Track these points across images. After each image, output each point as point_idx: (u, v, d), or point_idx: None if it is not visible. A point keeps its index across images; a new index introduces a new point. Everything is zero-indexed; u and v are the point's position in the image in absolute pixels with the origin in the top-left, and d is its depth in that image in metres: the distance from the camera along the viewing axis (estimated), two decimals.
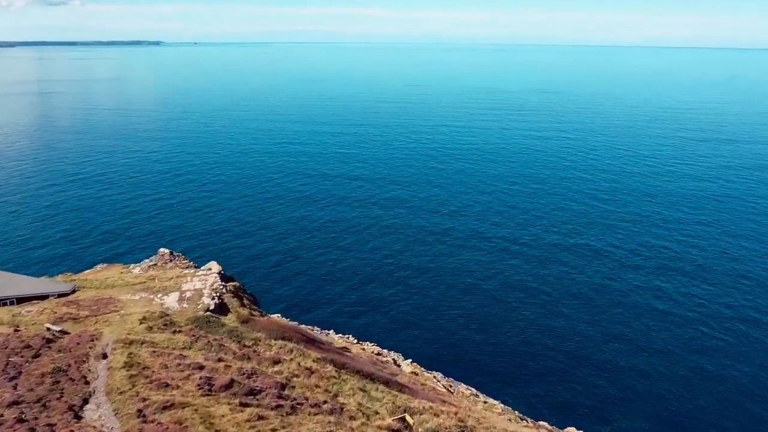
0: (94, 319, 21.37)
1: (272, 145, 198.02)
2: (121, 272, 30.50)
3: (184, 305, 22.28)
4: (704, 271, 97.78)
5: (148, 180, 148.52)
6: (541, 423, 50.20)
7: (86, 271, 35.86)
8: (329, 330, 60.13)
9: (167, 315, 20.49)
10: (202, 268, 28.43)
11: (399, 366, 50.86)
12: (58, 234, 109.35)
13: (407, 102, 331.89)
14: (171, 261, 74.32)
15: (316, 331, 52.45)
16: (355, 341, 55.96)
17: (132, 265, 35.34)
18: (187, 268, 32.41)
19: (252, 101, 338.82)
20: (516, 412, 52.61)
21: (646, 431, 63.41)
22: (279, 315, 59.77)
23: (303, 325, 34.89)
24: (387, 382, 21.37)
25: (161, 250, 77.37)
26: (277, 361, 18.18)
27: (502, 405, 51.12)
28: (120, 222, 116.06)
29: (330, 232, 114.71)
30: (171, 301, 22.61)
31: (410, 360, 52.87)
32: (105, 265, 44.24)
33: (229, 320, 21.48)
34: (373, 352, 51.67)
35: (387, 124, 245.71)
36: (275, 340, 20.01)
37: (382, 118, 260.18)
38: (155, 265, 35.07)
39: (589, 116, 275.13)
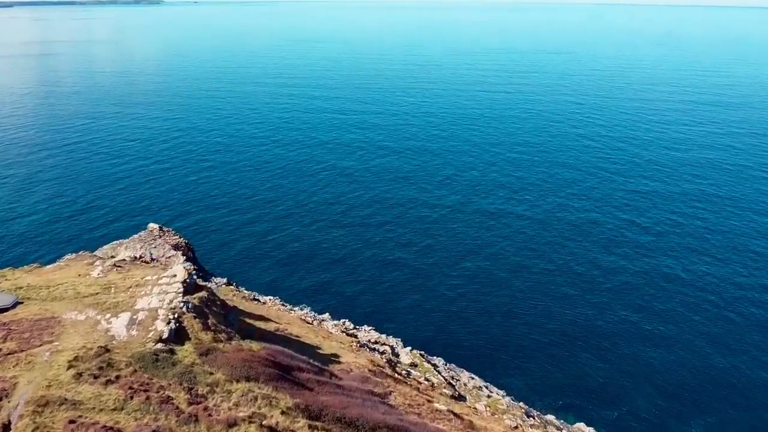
0: (17, 357, 17.51)
1: (272, 112, 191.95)
2: (79, 275, 26.48)
3: (133, 332, 18.31)
4: (716, 247, 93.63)
5: (142, 147, 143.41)
6: (548, 418, 46.95)
7: (48, 267, 32.04)
8: (324, 314, 56.65)
9: (107, 351, 16.70)
10: (166, 273, 24.34)
11: (398, 355, 47.42)
12: (40, 204, 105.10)
13: (411, 65, 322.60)
14: (160, 237, 70.77)
15: (309, 317, 48.84)
16: (351, 326, 52.50)
17: (98, 260, 31.21)
18: (153, 267, 28.20)
19: (252, 63, 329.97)
20: (521, 403, 49.40)
21: (657, 413, 60.48)
22: (270, 299, 56.17)
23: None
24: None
25: (150, 225, 73.60)
26: (232, 424, 14.47)
27: (508, 399, 47.83)
28: (110, 190, 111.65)
29: (325, 206, 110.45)
30: (119, 325, 18.62)
31: (410, 348, 49.37)
32: (73, 255, 40.50)
33: (186, 352, 17.71)
34: (370, 340, 48.18)
35: (389, 87, 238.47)
36: (238, 382, 16.35)
37: (382, 82, 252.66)
38: (123, 262, 30.96)
39: (603, 80, 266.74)
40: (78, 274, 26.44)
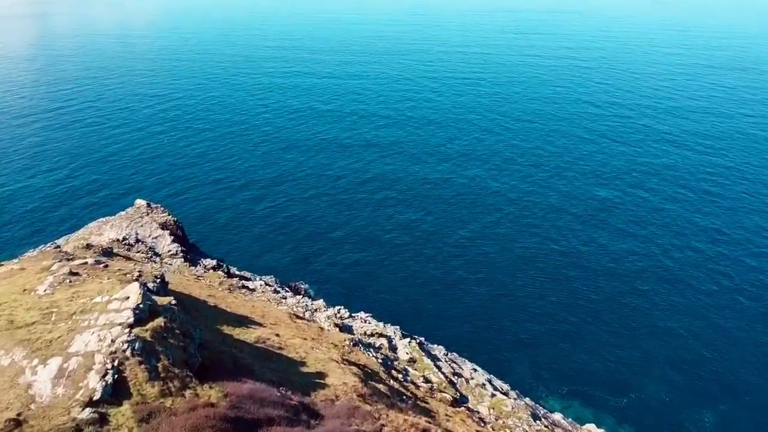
0: None
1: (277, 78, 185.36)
2: (24, 289, 22.75)
3: (59, 390, 14.63)
4: (729, 224, 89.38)
5: (135, 114, 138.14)
6: (555, 418, 43.83)
7: None
8: (318, 301, 53.24)
9: (18, 426, 13.27)
10: (119, 294, 20.53)
11: (396, 349, 44.12)
12: (19, 177, 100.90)
13: (412, 26, 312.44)
14: (147, 215, 66.99)
15: (300, 307, 45.42)
16: (347, 315, 49.12)
17: (57, 263, 27.39)
18: (109, 279, 24.39)
19: (250, 27, 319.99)
20: (527, 399, 46.27)
21: (667, 401, 57.53)
22: (261, 284, 52.60)
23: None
24: None
25: (138, 201, 69.80)
26: None
27: (514, 395, 44.64)
28: (97, 160, 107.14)
29: (324, 178, 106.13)
30: (45, 378, 14.93)
31: (408, 340, 45.98)
32: (34, 252, 36.79)
33: (121, 418, 14.20)
34: (366, 332, 44.82)
35: (390, 50, 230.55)
36: None
37: (384, 44, 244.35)
38: (84, 266, 27.13)
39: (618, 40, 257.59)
40: (24, 288, 22.66)
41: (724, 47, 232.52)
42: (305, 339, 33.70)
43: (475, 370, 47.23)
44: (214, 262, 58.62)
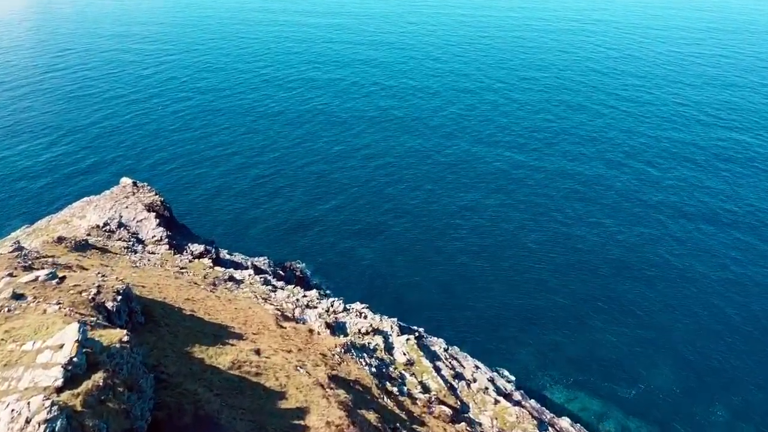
0: None
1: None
2: None
3: None
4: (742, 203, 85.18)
5: (122, 83, 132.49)
6: (563, 424, 40.81)
7: None
8: (311, 292, 49.91)
9: None
10: (51, 341, 16.94)
11: (392, 349, 40.90)
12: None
13: None
14: (133, 194, 63.14)
15: (291, 304, 42.11)
16: (341, 308, 45.82)
17: (10, 273, 23.93)
18: (58, 304, 20.94)
19: None
20: (531, 402, 43.23)
21: (678, 392, 54.65)
22: (250, 274, 49.14)
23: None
24: None
25: (123, 180, 65.95)
26: None
27: (518, 399, 41.54)
28: (83, 131, 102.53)
29: (319, 155, 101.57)
30: None
31: (405, 337, 42.71)
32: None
33: None
34: (360, 330, 41.56)
35: (381, 14, 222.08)
36: None
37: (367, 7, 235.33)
38: (30, 284, 23.55)
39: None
40: None
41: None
42: (290, 352, 30.33)
43: (478, 368, 44.12)
44: (201, 248, 55.11)
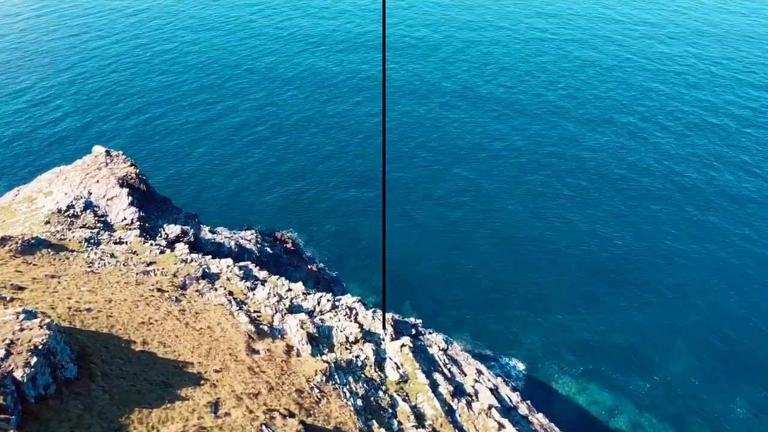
0: None
1: None
2: None
3: None
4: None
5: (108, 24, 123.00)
6: None
7: None
8: (296, 287, 44.77)
9: None
10: None
11: (383, 361, 36.19)
12: None
13: None
14: (106, 165, 57.31)
15: (270, 307, 37.26)
16: (329, 305, 40.96)
17: None
18: None
19: None
20: (539, 416, 38.75)
21: (696, 384, 50.34)
22: (229, 265, 44.03)
23: None
24: None
25: (96, 149, 60.02)
26: None
27: (524, 414, 37.07)
28: (62, 82, 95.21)
29: (300, 104, 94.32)
30: None
31: (400, 342, 37.94)
32: None
33: None
34: (348, 340, 36.74)
35: None
36: None
37: None
38: None
39: None
40: None
41: None
42: (258, 395, 25.58)
43: (480, 373, 39.52)
44: (178, 230, 49.79)
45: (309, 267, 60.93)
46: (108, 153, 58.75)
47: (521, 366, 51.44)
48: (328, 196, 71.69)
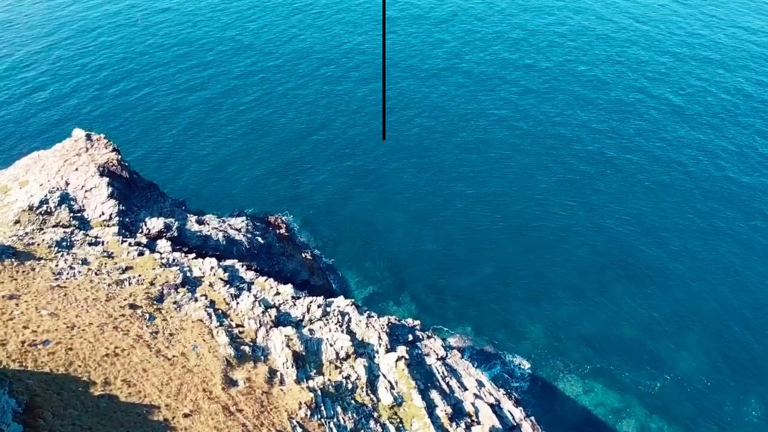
0: None
1: None
2: None
3: None
4: None
5: None
6: None
7: None
8: (286, 286, 41.69)
9: None
10: None
11: (376, 378, 33.31)
12: None
13: None
14: (86, 151, 53.59)
15: (255, 315, 34.35)
16: (320, 312, 37.96)
17: None
18: None
19: None
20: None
21: (708, 383, 47.61)
22: (213, 266, 40.84)
23: None
24: None
25: (76, 132, 56.42)
26: None
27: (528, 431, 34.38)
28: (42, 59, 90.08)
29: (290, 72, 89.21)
30: None
31: (395, 356, 35.08)
32: None
33: None
34: (339, 356, 33.85)
35: None
36: None
37: None
38: None
39: None
40: None
41: None
42: None
43: (480, 385, 36.71)
44: (160, 224, 46.36)
45: (303, 255, 57.79)
46: (89, 137, 55.01)
47: (526, 364, 48.78)
48: (322, 172, 68.03)
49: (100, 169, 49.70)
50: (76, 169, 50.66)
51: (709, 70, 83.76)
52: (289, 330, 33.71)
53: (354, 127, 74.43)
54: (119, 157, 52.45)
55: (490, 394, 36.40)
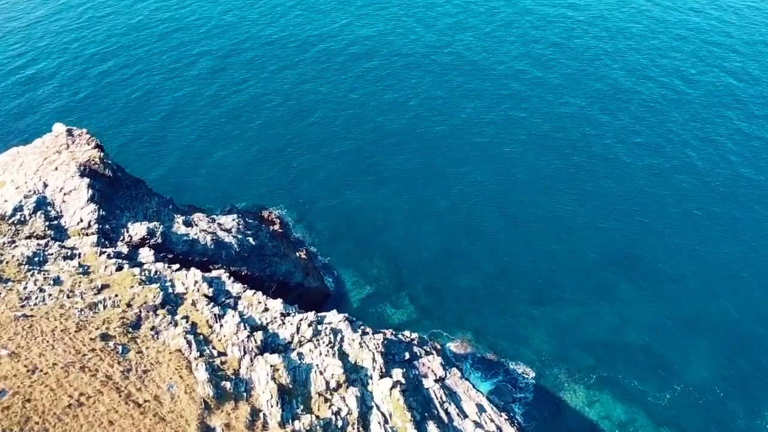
0: None
1: None
2: None
3: None
4: None
5: None
6: None
7: None
8: (276, 301, 39.03)
9: None
10: None
11: (370, 408, 30.85)
12: None
13: None
14: (67, 147, 50.48)
15: (239, 347, 31.79)
16: (310, 331, 35.43)
17: None
18: None
19: None
20: None
21: (721, 395, 45.23)
22: (198, 280, 38.10)
23: None
24: None
25: (56, 127, 53.35)
26: None
27: None
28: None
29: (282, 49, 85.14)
30: None
31: (389, 383, 32.55)
32: None
33: None
34: (329, 387, 31.36)
35: None
36: None
37: None
38: None
39: None
40: None
41: None
42: None
43: (481, 410, 34.29)
44: (143, 230, 43.55)
45: (297, 254, 55.07)
46: (70, 132, 51.95)
47: (530, 373, 46.42)
48: (320, 164, 64.88)
49: (81, 168, 46.69)
50: (56, 169, 47.66)
51: (732, 59, 79.44)
52: (276, 359, 31.15)
53: (348, 110, 70.95)
54: (102, 154, 49.39)
55: (491, 420, 34.01)
